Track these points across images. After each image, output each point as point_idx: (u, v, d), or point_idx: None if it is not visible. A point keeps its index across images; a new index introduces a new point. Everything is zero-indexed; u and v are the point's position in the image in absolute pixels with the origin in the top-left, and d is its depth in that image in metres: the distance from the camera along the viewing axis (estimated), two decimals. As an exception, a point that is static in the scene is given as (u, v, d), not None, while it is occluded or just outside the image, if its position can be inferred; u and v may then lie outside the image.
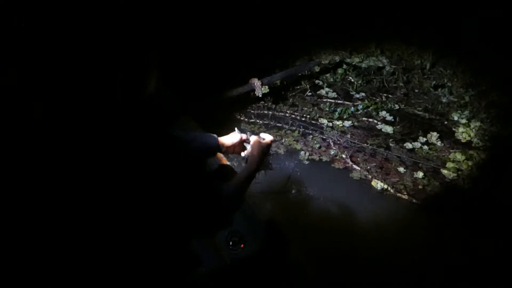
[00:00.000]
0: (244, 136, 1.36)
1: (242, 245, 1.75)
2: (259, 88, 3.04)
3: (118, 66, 0.73)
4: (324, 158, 2.57)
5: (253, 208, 1.88)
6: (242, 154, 1.33)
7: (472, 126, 2.84)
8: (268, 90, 3.13)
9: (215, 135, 1.34)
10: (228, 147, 1.35)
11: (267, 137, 1.32)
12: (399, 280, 1.84)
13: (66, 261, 0.80)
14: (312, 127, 2.86)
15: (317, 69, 3.64)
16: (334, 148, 2.66)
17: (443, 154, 2.60)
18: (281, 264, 1.80)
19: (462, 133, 2.79)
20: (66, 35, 0.71)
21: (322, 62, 3.75)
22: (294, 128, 2.85)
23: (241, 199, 1.12)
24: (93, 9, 0.73)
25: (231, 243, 1.75)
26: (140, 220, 0.82)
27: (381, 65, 3.67)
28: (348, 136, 2.78)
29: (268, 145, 1.29)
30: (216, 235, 1.00)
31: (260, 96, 3.07)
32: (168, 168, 0.81)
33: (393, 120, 2.96)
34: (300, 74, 3.52)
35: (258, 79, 3.03)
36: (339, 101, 3.20)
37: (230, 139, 1.35)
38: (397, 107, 3.10)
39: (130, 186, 0.77)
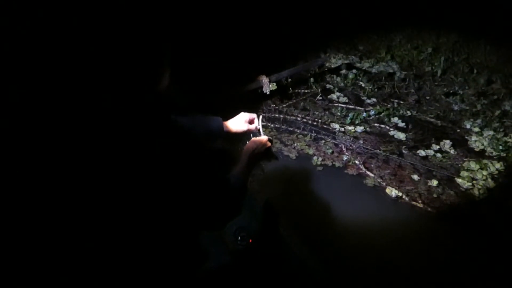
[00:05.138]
0: (251, 125, 1.34)
1: (250, 240, 1.72)
2: (267, 85, 3.01)
3: (134, 63, 0.76)
4: (337, 164, 2.54)
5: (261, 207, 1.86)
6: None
7: (485, 135, 2.81)
8: (276, 87, 3.08)
9: (219, 118, 1.33)
10: (234, 132, 1.35)
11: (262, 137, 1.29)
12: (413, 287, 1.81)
13: (71, 257, 0.79)
14: (324, 132, 2.82)
15: (327, 73, 3.62)
16: (346, 153, 2.63)
17: (457, 163, 2.58)
18: (290, 261, 1.78)
19: (475, 142, 2.77)
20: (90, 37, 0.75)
21: (332, 66, 3.73)
22: (305, 132, 2.82)
23: (246, 187, 1.12)
24: (112, 11, 0.76)
25: (239, 238, 1.72)
26: (148, 213, 0.81)
27: (391, 70, 3.65)
28: (361, 141, 2.74)
29: (261, 145, 1.24)
30: (227, 225, 1.02)
31: (268, 93, 3.04)
32: (174, 159, 0.80)
33: (405, 126, 2.93)
34: (308, 74, 3.51)
35: (266, 76, 3.01)
36: (350, 106, 3.16)
37: (235, 124, 1.34)
38: (409, 113, 3.07)
39: (137, 179, 0.76)
